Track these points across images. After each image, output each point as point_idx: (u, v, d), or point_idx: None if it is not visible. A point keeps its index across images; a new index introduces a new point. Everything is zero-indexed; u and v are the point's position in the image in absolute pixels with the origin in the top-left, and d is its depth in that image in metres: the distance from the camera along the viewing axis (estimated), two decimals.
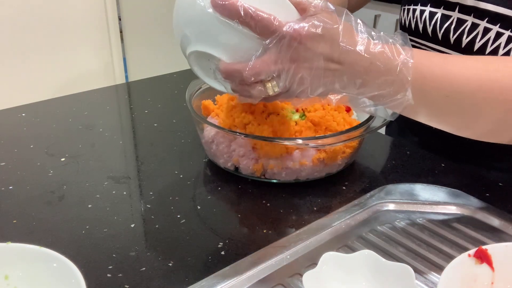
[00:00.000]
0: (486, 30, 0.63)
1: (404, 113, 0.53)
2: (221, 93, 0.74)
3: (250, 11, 0.47)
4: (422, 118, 0.55)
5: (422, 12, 0.71)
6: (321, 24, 0.48)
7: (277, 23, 0.47)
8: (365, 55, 0.49)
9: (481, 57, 0.57)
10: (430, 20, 0.69)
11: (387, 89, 0.50)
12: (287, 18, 0.48)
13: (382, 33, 0.52)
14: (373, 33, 0.51)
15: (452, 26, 0.67)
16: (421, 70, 0.50)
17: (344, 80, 0.50)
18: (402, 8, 0.76)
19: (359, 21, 0.51)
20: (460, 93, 0.51)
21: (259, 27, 0.47)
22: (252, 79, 0.49)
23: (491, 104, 0.51)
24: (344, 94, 0.53)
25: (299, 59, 0.48)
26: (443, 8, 0.68)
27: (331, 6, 0.50)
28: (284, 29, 0.47)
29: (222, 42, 0.49)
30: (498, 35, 0.62)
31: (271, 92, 0.50)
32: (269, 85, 0.50)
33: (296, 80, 0.49)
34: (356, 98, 0.54)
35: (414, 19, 0.72)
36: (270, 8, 0.48)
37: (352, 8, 0.88)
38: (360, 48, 0.49)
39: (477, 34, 0.64)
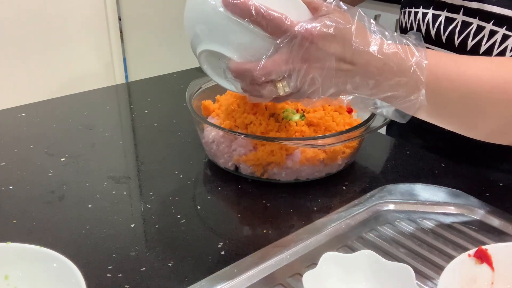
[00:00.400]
0: (492, 33, 0.62)
1: (416, 114, 0.52)
2: (221, 93, 0.74)
3: (261, 10, 0.46)
4: (432, 119, 0.54)
5: (424, 14, 0.70)
6: (333, 24, 0.47)
7: (288, 23, 0.46)
8: (378, 55, 0.48)
9: (494, 58, 0.56)
10: (433, 23, 0.68)
11: (400, 90, 0.49)
12: (299, 18, 0.47)
13: (395, 33, 0.51)
14: (386, 33, 0.50)
15: (457, 29, 0.66)
16: (435, 71, 0.49)
17: (357, 81, 0.49)
18: (403, 10, 0.75)
19: (372, 21, 0.50)
20: (474, 94, 0.50)
21: (271, 26, 0.47)
22: (263, 78, 0.48)
23: (501, 105, 0.51)
24: (356, 95, 0.52)
25: (311, 59, 0.47)
26: (447, 11, 0.67)
27: (344, 6, 0.49)
28: (296, 28, 0.46)
29: (233, 41, 0.49)
30: (505, 37, 0.61)
31: (281, 92, 0.50)
32: (280, 85, 0.49)
33: (307, 80, 0.49)
34: (367, 99, 0.53)
35: (416, 22, 0.71)
36: (281, 8, 0.47)
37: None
38: (373, 48, 0.48)
39: (483, 37, 0.63)
